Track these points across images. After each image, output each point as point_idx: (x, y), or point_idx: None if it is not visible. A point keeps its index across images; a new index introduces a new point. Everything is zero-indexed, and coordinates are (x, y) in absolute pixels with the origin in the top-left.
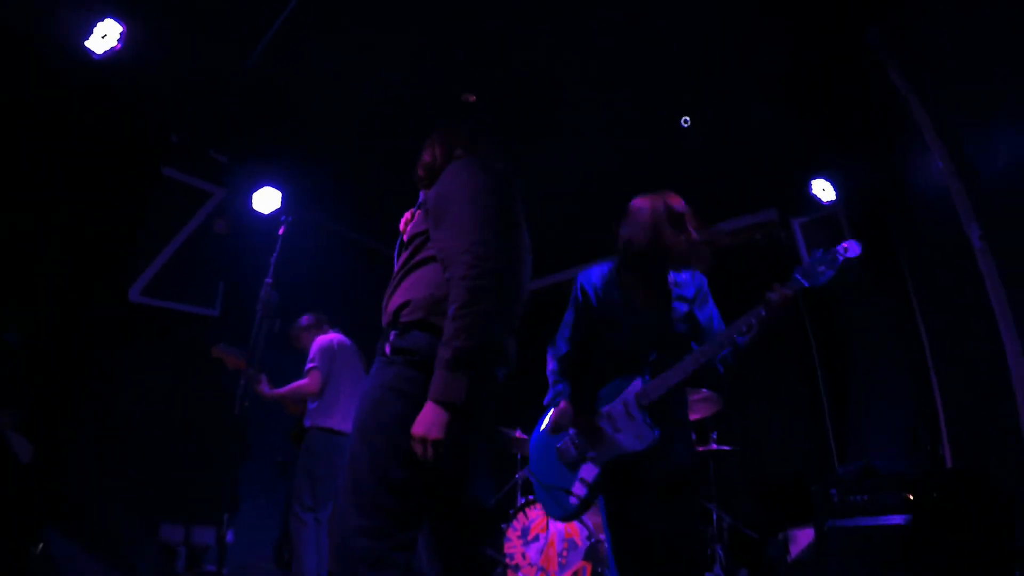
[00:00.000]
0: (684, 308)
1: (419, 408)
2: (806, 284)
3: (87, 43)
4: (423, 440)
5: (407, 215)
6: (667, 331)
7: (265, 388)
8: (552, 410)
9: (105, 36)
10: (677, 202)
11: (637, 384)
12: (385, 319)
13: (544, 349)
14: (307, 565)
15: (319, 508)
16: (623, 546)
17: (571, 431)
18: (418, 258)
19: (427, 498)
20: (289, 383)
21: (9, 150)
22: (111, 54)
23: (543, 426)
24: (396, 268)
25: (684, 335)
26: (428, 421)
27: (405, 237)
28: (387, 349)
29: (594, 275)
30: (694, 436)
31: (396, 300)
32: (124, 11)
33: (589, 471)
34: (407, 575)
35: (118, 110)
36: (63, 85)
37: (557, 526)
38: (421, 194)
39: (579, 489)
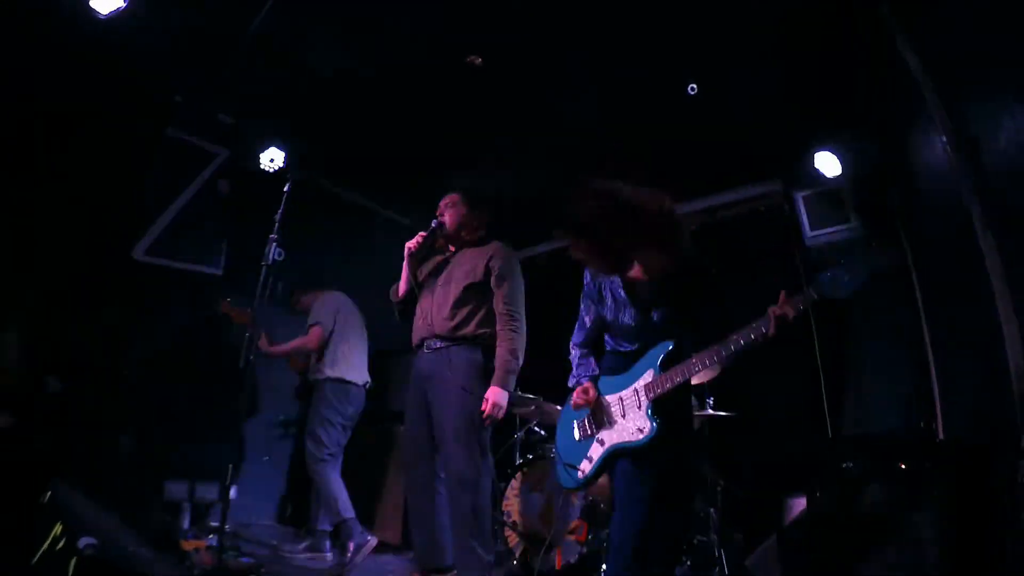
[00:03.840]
0: (683, 298)
1: None
2: (815, 297)
3: (91, 3)
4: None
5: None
6: (669, 324)
7: (266, 344)
8: (574, 390)
9: None
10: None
11: (650, 374)
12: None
13: (529, 316)
14: (343, 502)
15: (336, 454)
16: (612, 528)
17: (586, 411)
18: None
19: None
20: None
21: (11, 111)
22: (116, 14)
23: (568, 404)
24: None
25: (687, 325)
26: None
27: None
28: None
29: (595, 275)
30: (693, 431)
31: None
32: None
33: (596, 451)
34: None
35: (122, 70)
36: (67, 45)
37: (554, 485)
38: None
39: (585, 466)
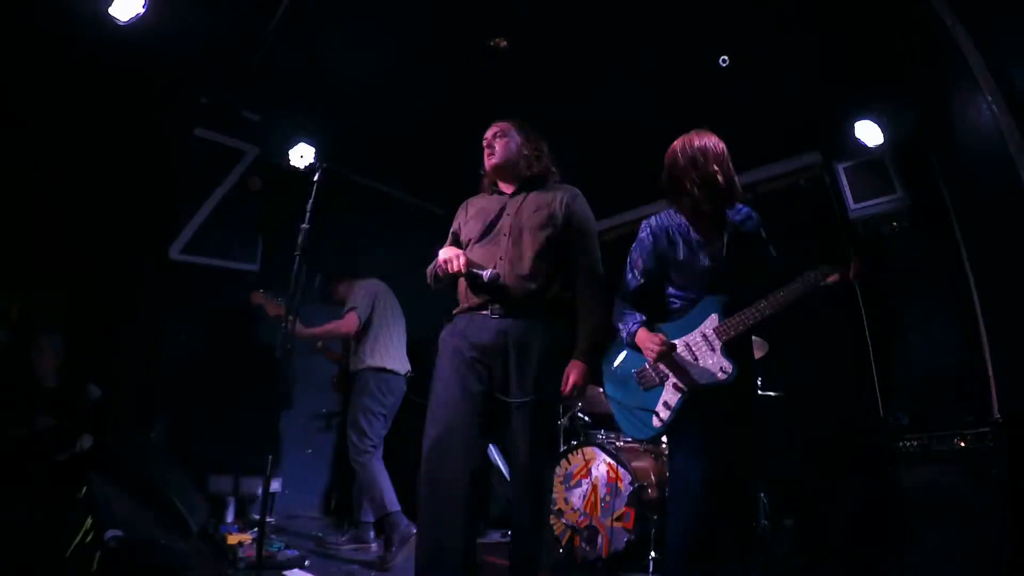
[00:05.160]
0: (744, 246)
1: None
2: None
3: (111, 10)
4: None
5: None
6: (732, 269)
7: (300, 328)
8: (626, 337)
9: (129, 2)
10: (700, 139)
11: (715, 319)
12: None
13: None
14: (388, 494)
15: (379, 445)
16: (686, 472)
17: (644, 361)
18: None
19: None
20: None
21: (44, 121)
22: (136, 19)
23: (620, 353)
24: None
25: (746, 272)
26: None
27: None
28: None
29: (658, 220)
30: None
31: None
32: None
33: (672, 396)
34: None
35: (147, 74)
36: (91, 53)
37: (600, 472)
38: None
39: (663, 411)
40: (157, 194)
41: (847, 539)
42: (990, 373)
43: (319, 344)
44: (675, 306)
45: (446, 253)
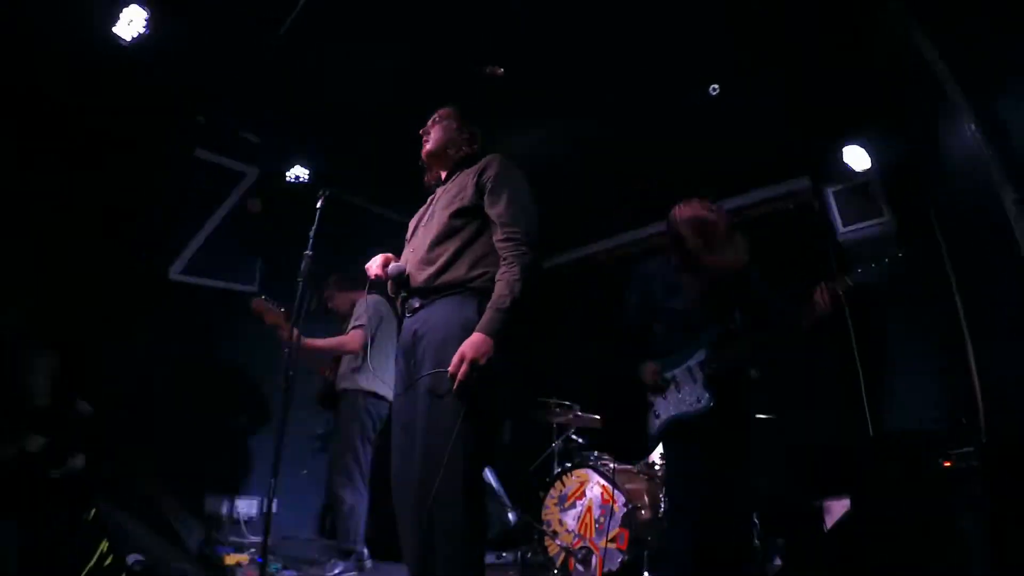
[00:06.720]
0: (735, 294)
1: None
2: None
3: (114, 29)
4: None
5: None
6: (724, 315)
7: (303, 340)
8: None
9: (132, 22)
10: (710, 214)
11: (701, 354)
12: None
13: (564, 324)
14: (361, 536)
15: (367, 475)
16: (676, 497)
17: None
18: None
19: None
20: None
21: (45, 139)
22: (139, 39)
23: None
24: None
25: (730, 316)
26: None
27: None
28: None
29: (649, 269)
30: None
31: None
32: None
33: (653, 424)
34: None
35: (148, 94)
36: (94, 72)
37: (594, 493)
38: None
39: (653, 420)
40: (157, 215)
41: (838, 559)
42: (977, 393)
43: (319, 361)
44: (672, 343)
45: (371, 261)
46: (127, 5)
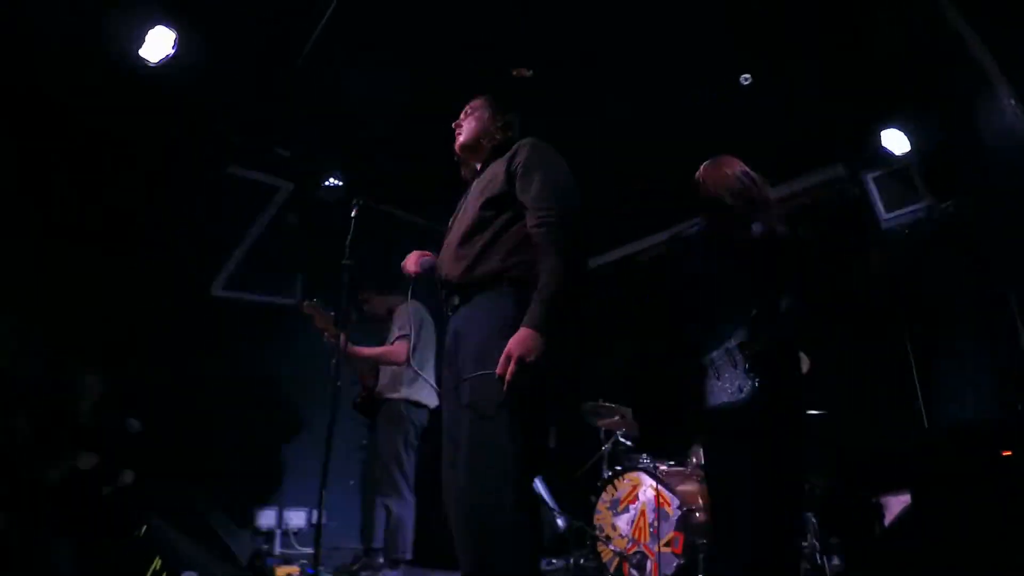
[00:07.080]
0: (771, 261)
1: None
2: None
3: (141, 52)
4: None
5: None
6: (760, 285)
7: (351, 347)
8: None
9: (158, 44)
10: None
11: (740, 332)
12: None
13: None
14: (409, 545)
15: (412, 482)
16: (718, 493)
17: None
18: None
19: None
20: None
21: (83, 165)
22: (166, 60)
23: None
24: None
25: (775, 287)
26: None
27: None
28: None
29: (685, 236)
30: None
31: None
32: (173, 18)
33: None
34: None
35: (179, 115)
36: (123, 95)
37: (647, 496)
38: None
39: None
40: (196, 233)
41: (902, 555)
42: None
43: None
44: (709, 321)
45: (406, 259)
46: (153, 27)
